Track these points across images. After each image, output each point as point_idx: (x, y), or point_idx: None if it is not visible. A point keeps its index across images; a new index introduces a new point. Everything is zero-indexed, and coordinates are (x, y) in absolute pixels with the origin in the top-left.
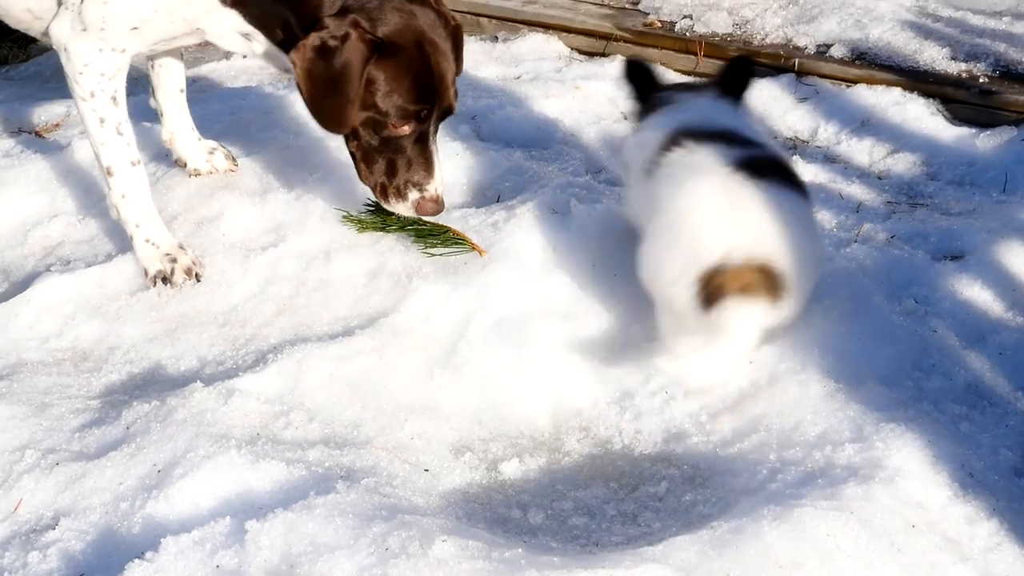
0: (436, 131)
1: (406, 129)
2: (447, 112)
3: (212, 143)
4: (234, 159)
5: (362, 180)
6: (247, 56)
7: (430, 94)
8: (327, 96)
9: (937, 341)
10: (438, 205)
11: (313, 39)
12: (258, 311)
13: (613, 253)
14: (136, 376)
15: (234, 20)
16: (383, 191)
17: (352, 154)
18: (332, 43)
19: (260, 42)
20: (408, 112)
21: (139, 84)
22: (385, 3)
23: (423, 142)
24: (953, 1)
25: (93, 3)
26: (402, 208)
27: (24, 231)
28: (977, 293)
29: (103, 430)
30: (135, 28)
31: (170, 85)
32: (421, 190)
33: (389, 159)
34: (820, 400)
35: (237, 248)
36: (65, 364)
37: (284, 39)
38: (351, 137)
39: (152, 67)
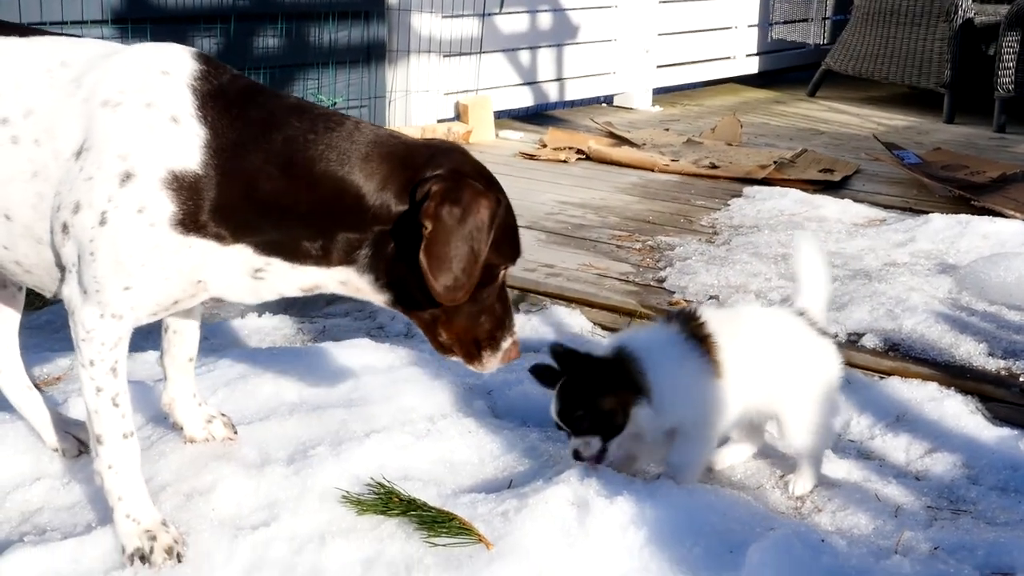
0: None
1: (503, 274)
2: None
3: (212, 411)
4: (234, 427)
5: (448, 348)
6: (261, 314)
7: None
8: (456, 258)
9: None
10: (519, 346)
11: (442, 190)
12: None
13: (634, 550)
14: None
15: (241, 256)
16: (475, 349)
17: (428, 326)
18: (461, 197)
19: (277, 269)
20: (518, 252)
21: (149, 339)
22: (454, 156)
23: (504, 286)
24: (987, 295)
25: (86, 263)
26: (493, 362)
27: (4, 494)
28: None
29: None
30: (127, 288)
31: (180, 353)
32: (512, 334)
33: (476, 313)
34: None
35: (226, 526)
36: None
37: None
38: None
39: (165, 330)
